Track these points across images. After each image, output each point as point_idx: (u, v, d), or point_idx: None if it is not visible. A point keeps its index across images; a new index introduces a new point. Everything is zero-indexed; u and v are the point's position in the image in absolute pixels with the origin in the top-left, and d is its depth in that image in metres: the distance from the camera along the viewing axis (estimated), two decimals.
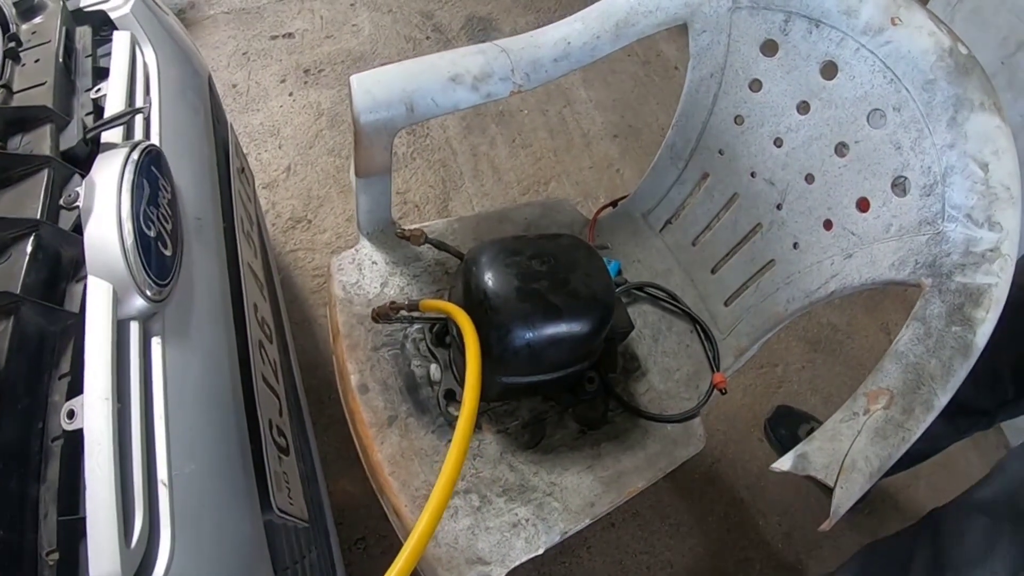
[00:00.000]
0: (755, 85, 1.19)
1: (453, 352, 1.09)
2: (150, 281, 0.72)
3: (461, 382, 1.07)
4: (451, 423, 1.06)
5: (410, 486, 0.99)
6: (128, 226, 0.72)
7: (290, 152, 2.09)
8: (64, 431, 0.63)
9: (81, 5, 1.09)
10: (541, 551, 0.97)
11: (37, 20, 1.04)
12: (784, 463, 0.79)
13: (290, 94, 2.24)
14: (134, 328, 0.70)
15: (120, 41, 1.01)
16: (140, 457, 0.62)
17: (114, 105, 0.91)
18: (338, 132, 2.14)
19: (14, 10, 1.05)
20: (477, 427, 1.07)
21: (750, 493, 1.74)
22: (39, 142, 0.87)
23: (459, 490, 1.01)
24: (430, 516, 0.71)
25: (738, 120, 1.22)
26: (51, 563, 0.58)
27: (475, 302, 0.97)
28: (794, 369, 1.97)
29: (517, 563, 0.95)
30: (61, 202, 0.80)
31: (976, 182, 0.89)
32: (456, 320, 0.91)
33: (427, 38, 2.47)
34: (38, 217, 0.75)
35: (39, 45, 1.01)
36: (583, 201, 2.10)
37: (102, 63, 1.02)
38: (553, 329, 0.96)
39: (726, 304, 1.27)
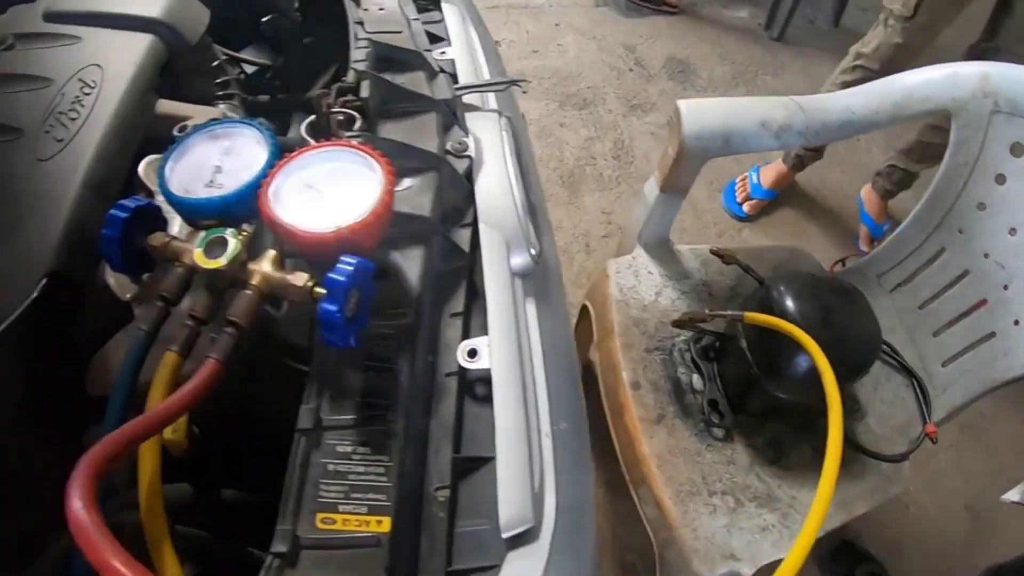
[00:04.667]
0: (1000, 179, 1.29)
1: (719, 366, 1.21)
2: (534, 241, 0.80)
3: (724, 394, 1.19)
4: (710, 430, 1.17)
5: (675, 481, 1.10)
6: (518, 185, 0.82)
7: None
8: (460, 368, 0.67)
9: None
10: (785, 555, 1.07)
11: None
12: (1014, 494, 0.88)
13: None
14: (517, 283, 0.76)
15: (452, 13, 1.15)
16: (532, 407, 0.67)
17: (463, 70, 1.01)
18: (544, 144, 2.29)
19: None
20: (729, 438, 1.17)
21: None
22: (418, 84, 0.92)
23: (717, 491, 1.12)
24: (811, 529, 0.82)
25: (980, 207, 1.32)
26: (440, 499, 0.60)
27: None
28: (941, 446, 2.03)
29: (764, 563, 1.05)
30: (448, 146, 0.85)
31: None
32: (798, 339, 1.01)
33: (630, 70, 2.62)
34: (436, 152, 0.80)
35: None
36: None
37: (427, 28, 1.11)
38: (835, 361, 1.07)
39: (943, 365, 1.36)
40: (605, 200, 2.18)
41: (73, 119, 0.81)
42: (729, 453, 1.17)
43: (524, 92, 0.94)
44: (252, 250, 0.64)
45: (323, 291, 0.57)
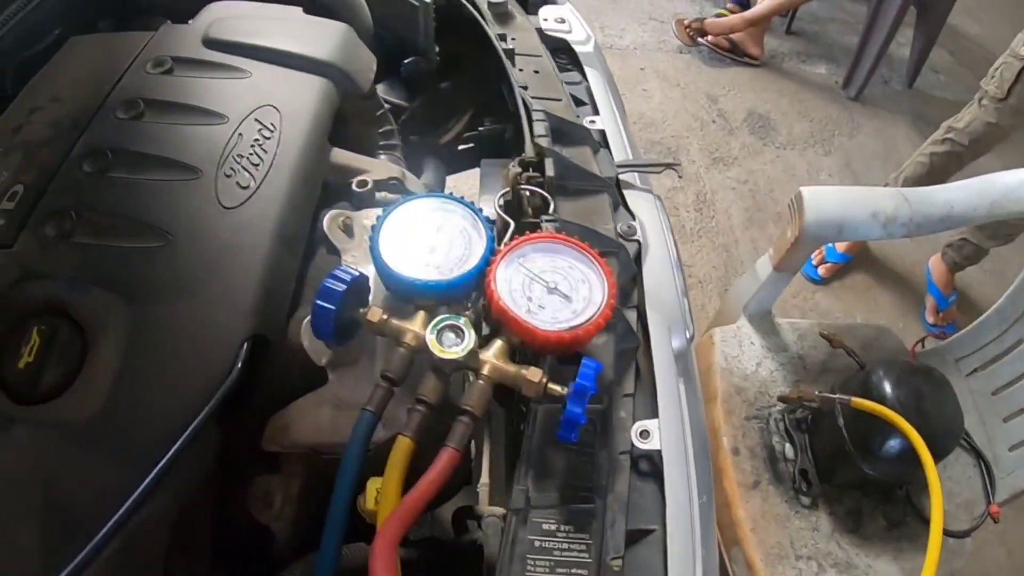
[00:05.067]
0: None
1: (810, 437, 1.30)
2: (689, 323, 0.86)
3: (815, 464, 1.28)
4: (799, 497, 1.26)
5: (766, 544, 1.20)
6: (679, 271, 0.87)
7: None
8: (634, 446, 0.71)
9: (541, 26, 1.22)
10: None
11: (511, 28, 1.18)
12: None
13: None
14: (675, 364, 0.82)
15: (597, 80, 1.16)
16: (690, 484, 0.72)
17: (615, 144, 1.02)
18: None
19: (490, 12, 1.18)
20: (815, 506, 1.26)
21: None
22: (586, 160, 0.94)
23: (803, 555, 1.21)
24: None
25: None
26: (615, 568, 0.63)
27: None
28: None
29: None
30: (618, 228, 0.87)
31: None
32: (905, 432, 1.10)
33: (713, 121, 2.71)
34: (614, 237, 0.84)
35: (529, 56, 1.13)
36: (841, 317, 2.24)
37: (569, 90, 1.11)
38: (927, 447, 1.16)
39: (1010, 450, 1.44)
40: (686, 253, 2.27)
41: (256, 165, 0.79)
42: (814, 520, 1.26)
43: (680, 177, 0.95)
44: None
45: (557, 388, 0.63)
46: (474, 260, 0.69)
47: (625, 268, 0.85)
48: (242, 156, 0.78)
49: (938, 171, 2.15)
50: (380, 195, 0.93)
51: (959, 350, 1.57)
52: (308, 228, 0.82)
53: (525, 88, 1.05)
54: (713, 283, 2.21)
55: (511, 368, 0.65)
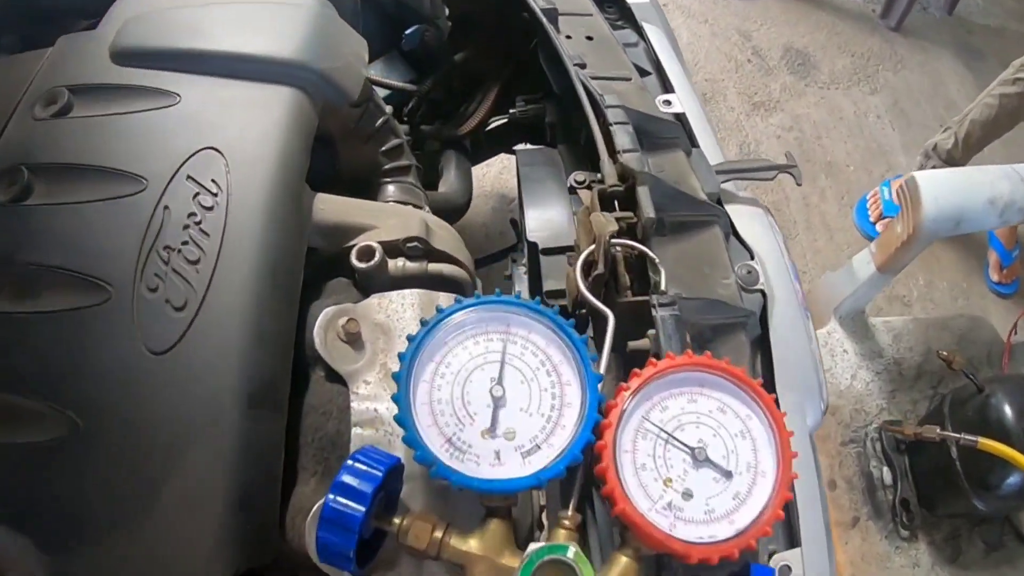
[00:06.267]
0: None
1: (910, 458, 1.14)
2: (825, 393, 0.66)
3: (917, 492, 1.12)
4: (898, 530, 1.11)
5: None
6: (808, 318, 0.65)
7: None
8: None
9: None
10: None
11: None
12: None
13: None
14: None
15: (662, 42, 0.94)
16: None
17: (701, 135, 0.79)
18: None
19: None
20: (914, 536, 1.12)
21: None
22: (682, 173, 0.72)
23: None
24: None
25: None
26: None
27: (995, 434, 1.00)
28: None
29: None
30: (736, 278, 0.66)
31: None
32: None
33: (748, 61, 2.46)
34: (737, 295, 0.65)
35: (577, 15, 0.90)
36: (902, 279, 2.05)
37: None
38: None
39: None
40: None
41: (194, 262, 0.51)
42: (913, 554, 1.13)
43: (799, 185, 0.74)
44: None
45: None
46: (570, 421, 0.46)
47: (750, 334, 0.63)
48: (171, 248, 0.51)
49: (1008, 114, 1.94)
50: (395, 265, 0.65)
51: None
52: (291, 347, 0.55)
53: (583, 67, 0.79)
54: None
55: None
